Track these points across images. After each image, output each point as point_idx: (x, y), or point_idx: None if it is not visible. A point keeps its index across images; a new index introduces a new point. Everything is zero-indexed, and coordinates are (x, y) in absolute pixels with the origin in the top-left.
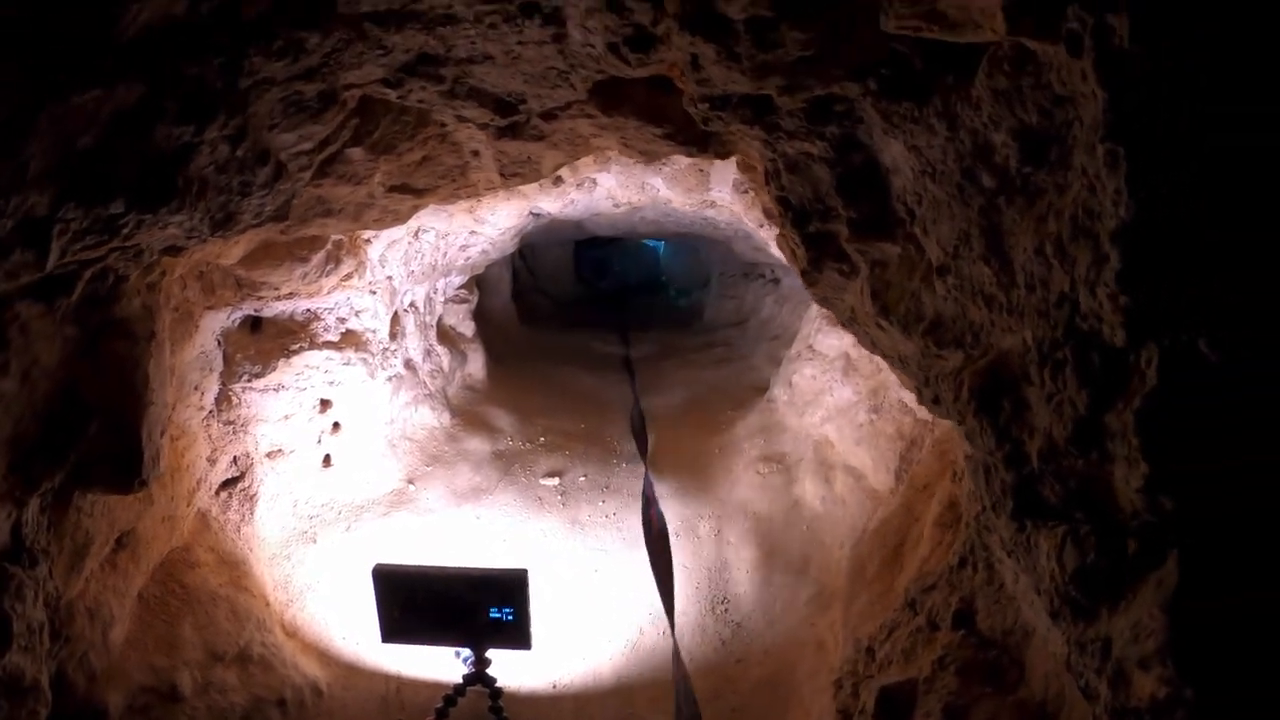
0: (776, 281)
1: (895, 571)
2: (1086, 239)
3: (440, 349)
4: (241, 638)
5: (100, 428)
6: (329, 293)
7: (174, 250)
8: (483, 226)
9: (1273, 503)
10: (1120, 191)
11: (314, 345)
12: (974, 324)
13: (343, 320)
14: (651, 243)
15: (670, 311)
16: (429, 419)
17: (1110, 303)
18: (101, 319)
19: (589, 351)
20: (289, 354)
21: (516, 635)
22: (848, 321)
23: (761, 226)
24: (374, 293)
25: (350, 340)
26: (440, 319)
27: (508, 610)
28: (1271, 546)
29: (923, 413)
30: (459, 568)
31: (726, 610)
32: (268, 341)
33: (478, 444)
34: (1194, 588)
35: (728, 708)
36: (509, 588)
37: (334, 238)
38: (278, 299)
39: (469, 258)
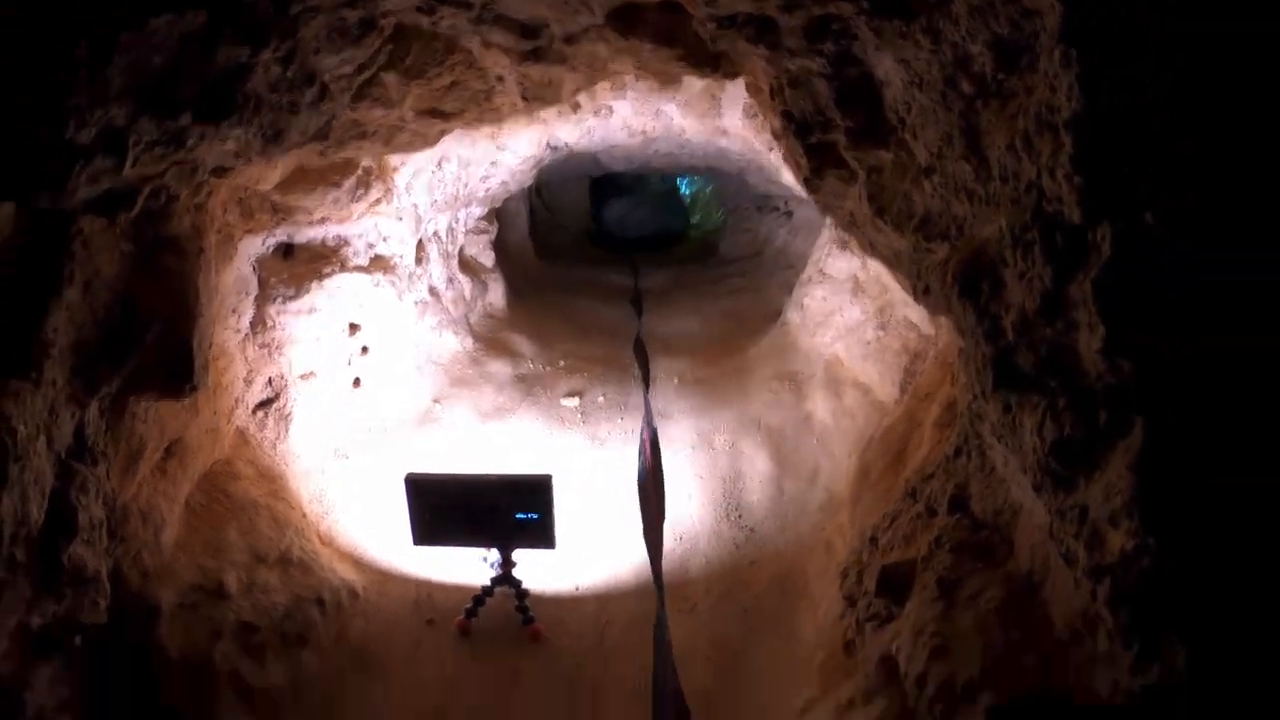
0: (789, 214)
1: (898, 472)
2: (1049, 131)
3: (462, 277)
4: (282, 542)
5: (155, 336)
6: (358, 218)
7: (222, 171)
8: (503, 154)
9: (1228, 375)
10: (1073, 86)
11: (344, 269)
12: (957, 217)
13: (371, 246)
14: (670, 183)
15: (686, 246)
16: (453, 343)
17: (1067, 184)
18: (155, 235)
19: (605, 285)
20: (321, 277)
21: (542, 536)
22: (848, 225)
23: (771, 150)
24: (400, 219)
25: (379, 265)
26: (462, 249)
27: (533, 513)
28: (1228, 412)
29: (926, 328)
30: (487, 474)
31: (740, 517)
32: (300, 266)
33: (500, 367)
34: (1159, 453)
35: (740, 607)
36: (535, 491)
37: (364, 164)
38: (310, 224)
39: (489, 189)
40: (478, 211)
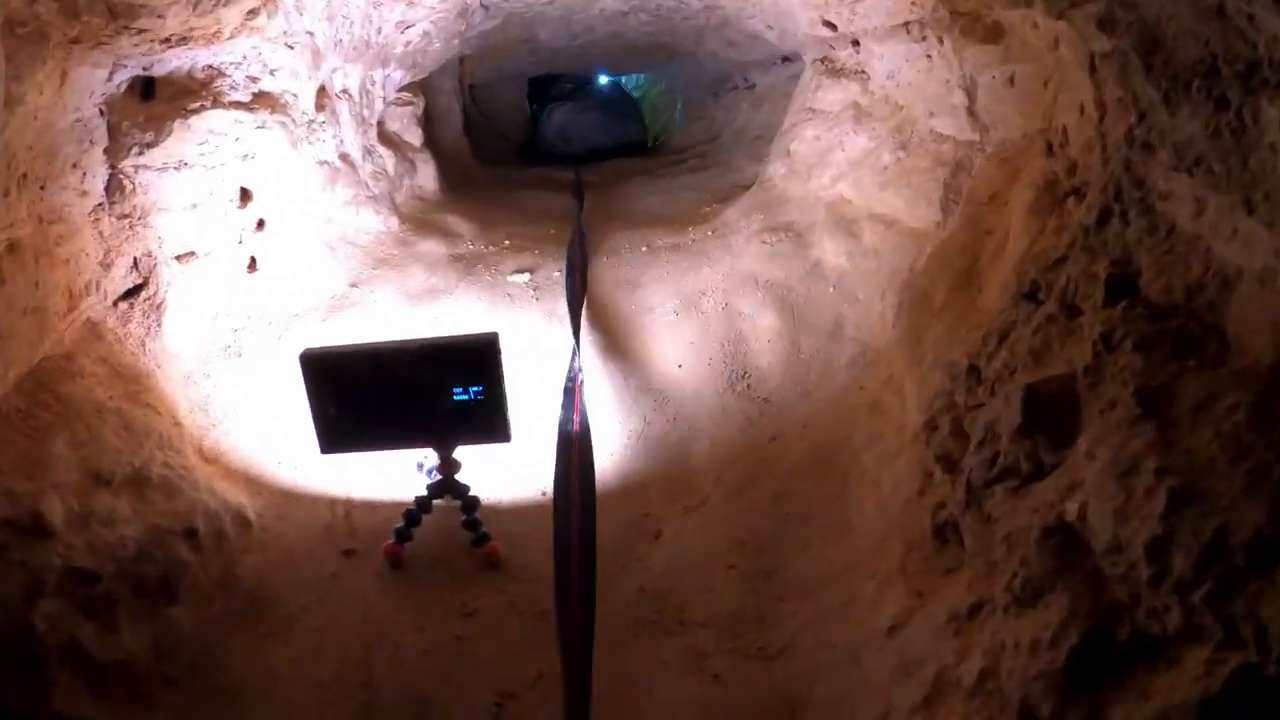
0: (751, 87)
1: (973, 292)
2: None
3: (384, 150)
4: (136, 457)
5: None
6: (232, 38)
7: None
8: None
9: None
10: None
11: (218, 104)
12: None
13: (254, 80)
14: (619, 88)
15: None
16: (374, 222)
17: None
18: None
19: (551, 180)
20: (187, 114)
21: (491, 423)
22: None
23: None
24: (291, 48)
25: (264, 101)
26: (382, 123)
27: (476, 389)
28: None
29: (965, 135)
30: (409, 340)
31: (749, 386)
32: (161, 105)
33: (433, 246)
34: None
35: (768, 494)
36: (476, 358)
37: None
38: (168, 45)
39: (409, 42)
40: (398, 77)
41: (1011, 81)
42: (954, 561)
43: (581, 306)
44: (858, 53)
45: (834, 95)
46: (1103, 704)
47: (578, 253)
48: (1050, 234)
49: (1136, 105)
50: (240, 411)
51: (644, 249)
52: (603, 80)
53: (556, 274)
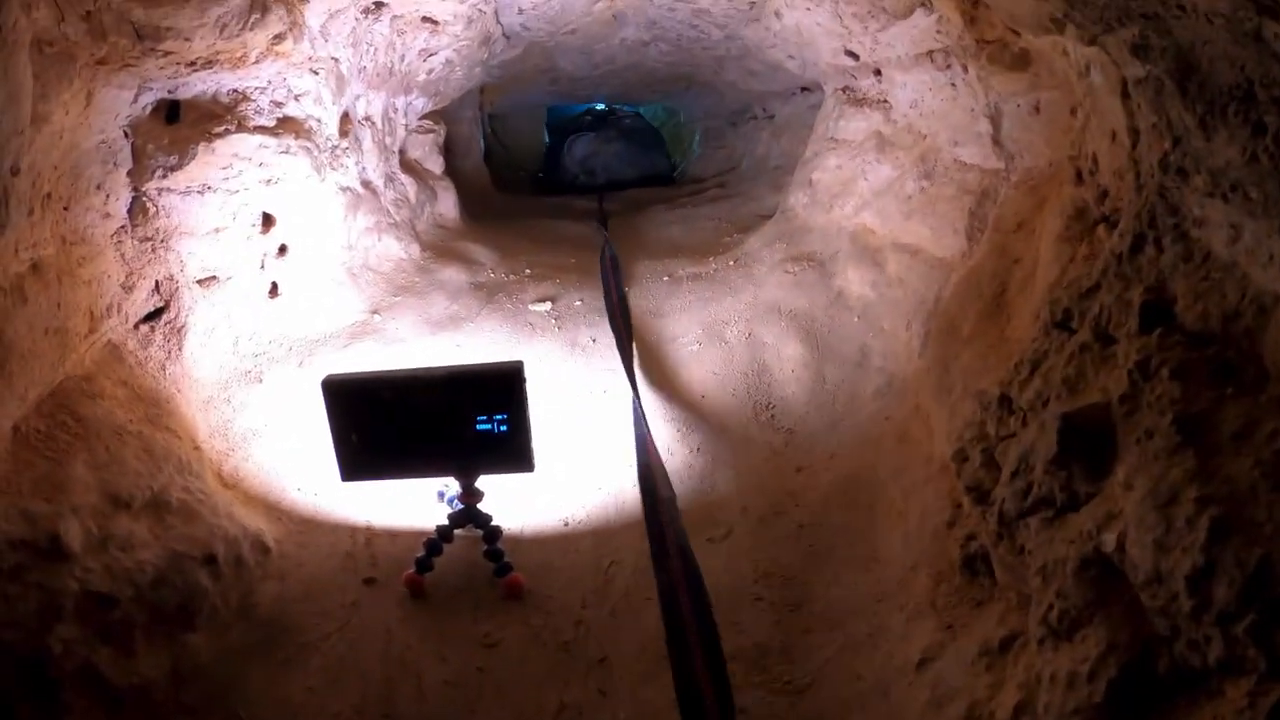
0: (771, 117)
1: (1001, 322)
2: None
3: (405, 178)
4: (156, 481)
5: None
6: (257, 62)
7: None
8: (444, 4)
9: None
10: None
11: (243, 128)
12: None
13: (279, 105)
14: (640, 119)
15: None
16: (395, 250)
17: None
18: None
19: (570, 209)
20: (211, 138)
21: (514, 452)
22: None
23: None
24: (316, 73)
25: (289, 127)
26: (404, 150)
27: (500, 418)
28: None
29: (990, 163)
30: (433, 368)
31: (774, 416)
32: (186, 129)
33: (454, 274)
34: None
35: (794, 524)
36: (500, 387)
37: None
38: (195, 70)
39: (431, 70)
40: (420, 104)
41: (1038, 109)
42: (984, 594)
43: (630, 341)
44: (880, 82)
45: (856, 124)
46: None
47: (611, 278)
48: (1081, 261)
49: (1171, 131)
50: (260, 437)
51: (665, 279)
52: (624, 111)
53: (578, 303)
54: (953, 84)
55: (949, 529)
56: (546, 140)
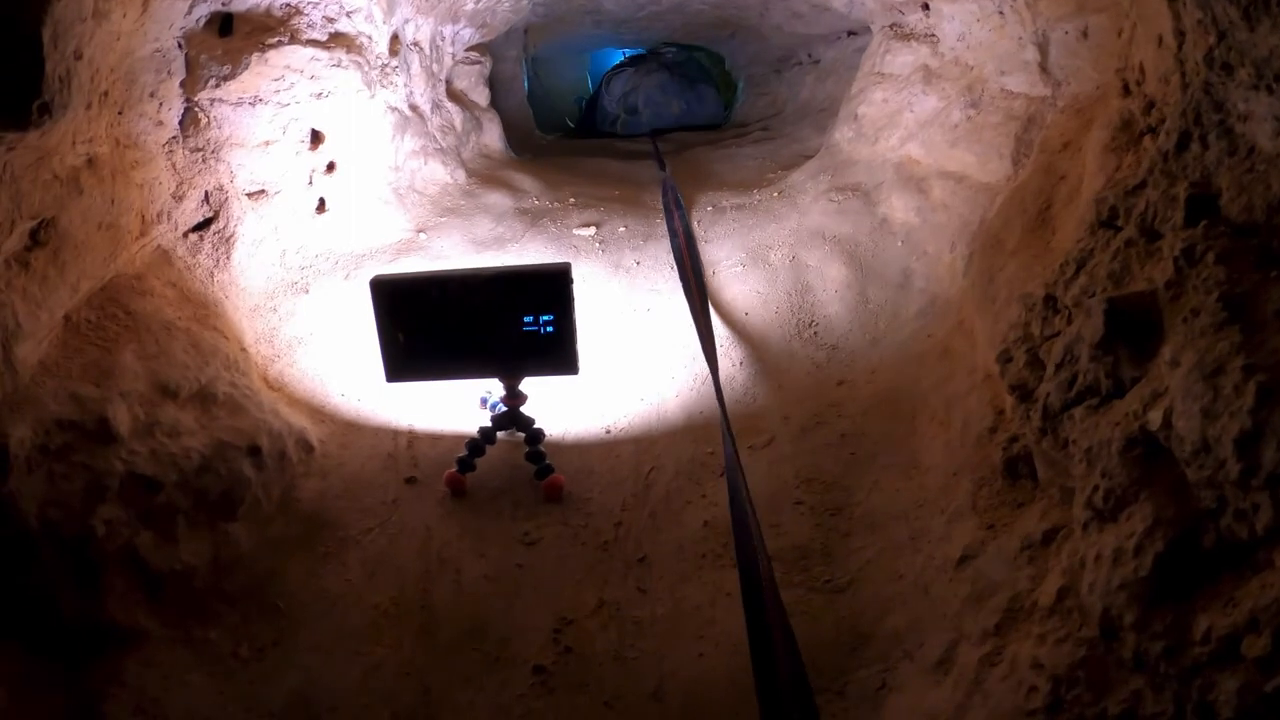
0: (817, 62)
1: (1046, 235)
2: None
3: (451, 106)
4: (204, 374)
5: None
6: None
7: None
8: None
9: None
10: None
11: (296, 40)
12: None
13: (330, 20)
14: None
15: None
16: (441, 174)
17: None
18: None
19: (615, 148)
20: (264, 48)
21: (559, 354)
22: None
23: None
24: None
25: (340, 41)
26: (450, 80)
27: (546, 319)
28: None
29: (1037, 90)
30: (480, 269)
31: (816, 334)
32: (240, 40)
33: (499, 199)
34: None
35: (835, 433)
36: (548, 288)
37: None
38: None
39: (479, 2)
40: (467, 35)
41: (1085, 34)
42: (1026, 496)
43: (706, 299)
44: (928, 16)
45: (903, 59)
46: (1188, 613)
47: (677, 221)
48: (1128, 168)
49: (1216, 25)
50: (305, 345)
51: (710, 209)
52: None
53: (622, 230)
54: (1000, 12)
55: (991, 435)
56: (590, 87)
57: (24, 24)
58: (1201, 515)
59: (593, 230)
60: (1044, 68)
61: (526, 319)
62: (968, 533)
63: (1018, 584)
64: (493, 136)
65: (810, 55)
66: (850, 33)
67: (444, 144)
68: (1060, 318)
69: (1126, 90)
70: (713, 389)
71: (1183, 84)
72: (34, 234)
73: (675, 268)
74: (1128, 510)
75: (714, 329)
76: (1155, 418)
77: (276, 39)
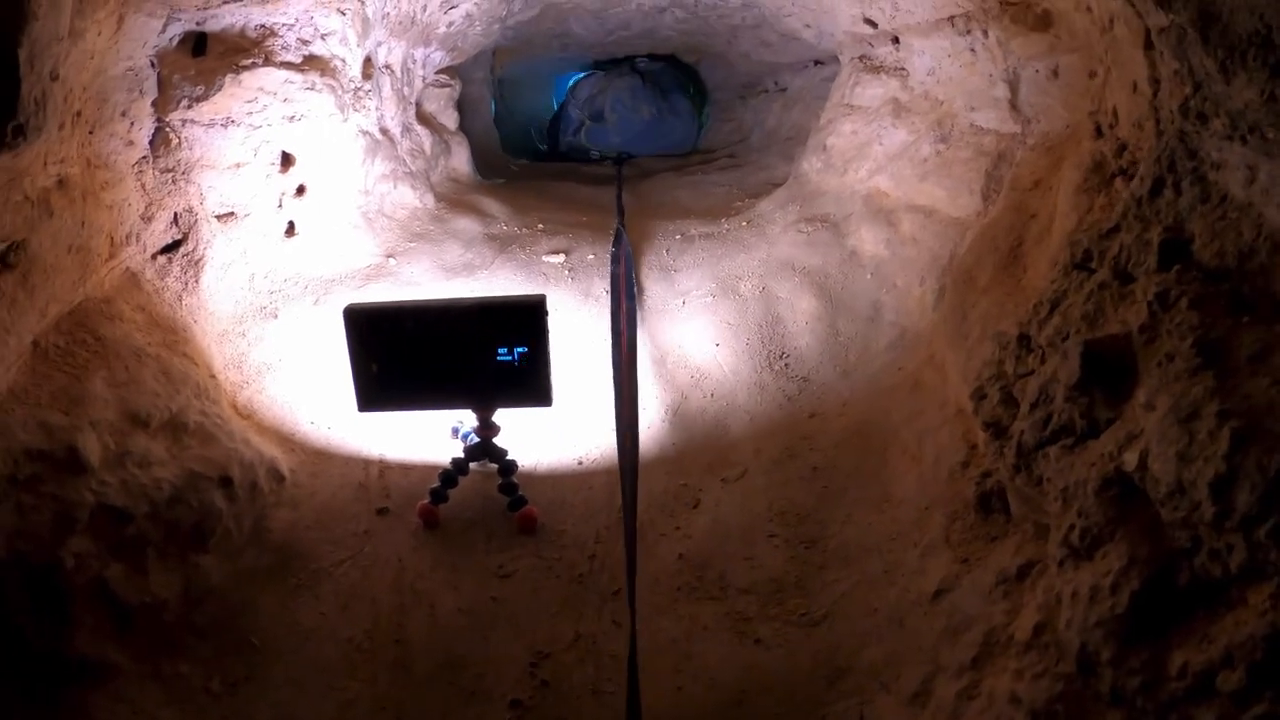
0: (783, 89)
1: (1018, 272)
2: None
3: (421, 130)
4: (175, 402)
5: None
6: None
7: None
8: None
9: None
10: None
11: (270, 62)
12: None
13: (305, 42)
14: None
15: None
16: (410, 198)
17: None
18: None
19: (581, 172)
20: (238, 69)
21: (533, 386)
22: None
23: None
24: (343, 14)
25: (314, 64)
26: (420, 103)
27: (521, 350)
28: None
29: (1007, 127)
30: (455, 299)
31: (787, 365)
32: (213, 61)
33: (468, 224)
34: None
35: (808, 466)
36: (522, 319)
37: None
38: (223, 1)
39: (451, 22)
40: (438, 58)
41: (1056, 73)
42: (999, 530)
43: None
44: (898, 49)
45: (873, 91)
46: (1164, 649)
47: (622, 300)
48: (1101, 210)
49: (1192, 76)
50: (275, 371)
51: (678, 237)
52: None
53: (591, 257)
54: (972, 49)
55: (963, 469)
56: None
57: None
58: (1176, 554)
59: (562, 257)
60: (1014, 105)
61: (501, 350)
62: (942, 566)
63: (993, 618)
64: (461, 160)
65: (777, 83)
66: (817, 62)
67: (413, 168)
68: (1034, 357)
69: (1099, 132)
70: (682, 422)
71: (1157, 130)
72: (3, 257)
73: (646, 299)
74: (1104, 549)
75: (682, 354)
76: (1131, 459)
77: (250, 60)
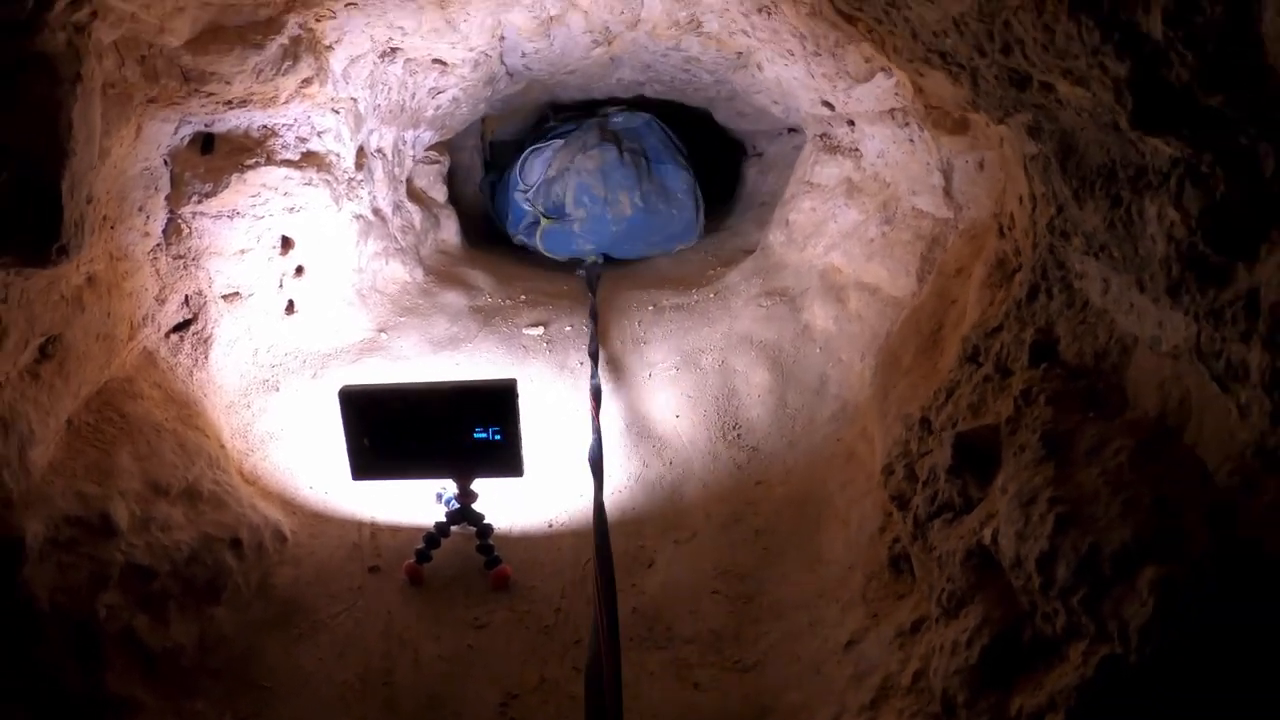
0: (760, 154)
1: (935, 356)
2: None
3: (411, 206)
4: (190, 472)
5: (11, 178)
6: (286, 102)
7: None
8: (454, 50)
9: None
10: None
11: (271, 161)
12: None
13: (303, 140)
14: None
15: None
16: (401, 273)
17: None
18: (17, 52)
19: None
20: (243, 169)
21: (507, 459)
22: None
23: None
24: (337, 112)
25: (312, 160)
26: (411, 179)
27: (495, 428)
28: None
29: (942, 210)
30: (437, 382)
31: (740, 436)
32: (220, 159)
33: (455, 298)
34: None
35: (752, 530)
36: (496, 401)
37: (291, 31)
38: (231, 107)
39: (439, 106)
40: (427, 137)
41: (981, 166)
42: (906, 588)
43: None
44: (853, 131)
45: (830, 170)
46: (1007, 695)
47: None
48: (996, 305)
49: (1056, 200)
50: (277, 440)
51: (651, 308)
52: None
53: (568, 329)
54: (911, 140)
55: (881, 534)
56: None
57: (45, 179)
58: (1021, 616)
59: (540, 330)
60: (948, 192)
61: (478, 428)
62: (856, 620)
63: (890, 665)
64: (450, 232)
65: (754, 148)
66: (791, 129)
67: (404, 243)
68: (933, 438)
69: (1002, 232)
70: (643, 489)
71: (1034, 242)
72: (43, 349)
73: (617, 372)
74: (965, 609)
75: (647, 424)
76: (988, 534)
77: (254, 160)
